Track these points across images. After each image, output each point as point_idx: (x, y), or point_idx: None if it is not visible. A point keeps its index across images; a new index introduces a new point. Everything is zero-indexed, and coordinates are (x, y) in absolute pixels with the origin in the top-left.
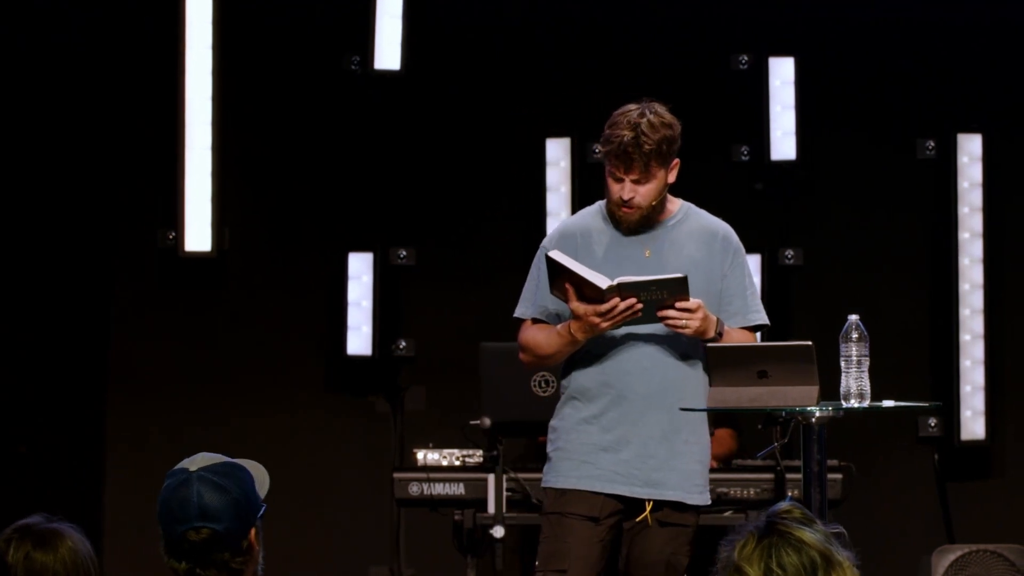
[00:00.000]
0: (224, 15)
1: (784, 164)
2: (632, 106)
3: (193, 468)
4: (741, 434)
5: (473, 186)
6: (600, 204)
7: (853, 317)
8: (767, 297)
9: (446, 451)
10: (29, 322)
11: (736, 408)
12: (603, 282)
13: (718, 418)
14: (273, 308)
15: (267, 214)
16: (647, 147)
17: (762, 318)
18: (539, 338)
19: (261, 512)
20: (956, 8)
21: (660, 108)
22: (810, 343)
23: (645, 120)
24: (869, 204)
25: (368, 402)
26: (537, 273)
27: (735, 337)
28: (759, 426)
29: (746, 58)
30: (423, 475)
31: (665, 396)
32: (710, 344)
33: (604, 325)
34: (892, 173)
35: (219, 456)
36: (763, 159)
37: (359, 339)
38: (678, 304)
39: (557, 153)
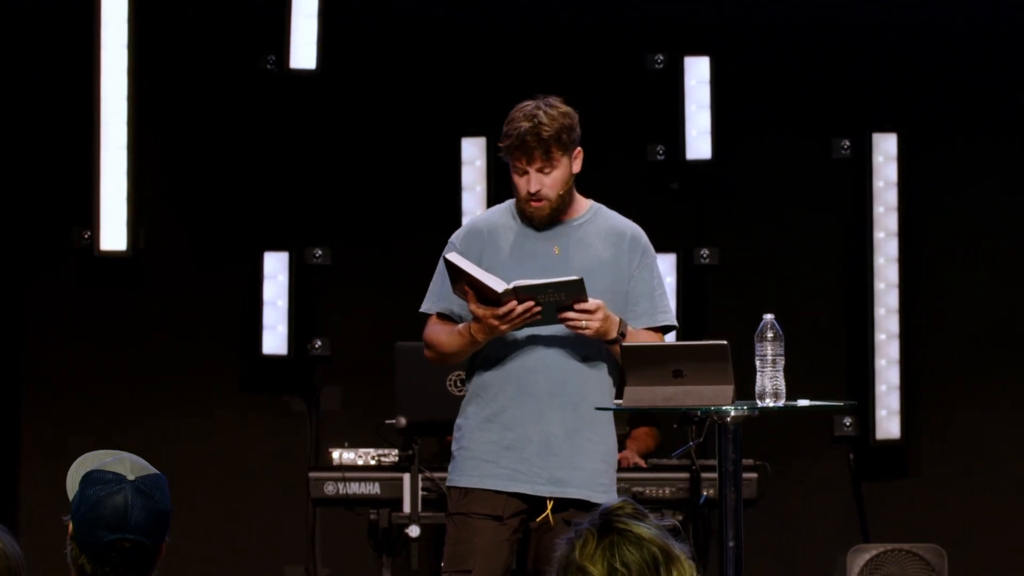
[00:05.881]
0: (139, 14)
1: (699, 163)
2: (527, 101)
3: (131, 476)
4: (660, 429)
5: (388, 185)
6: (510, 202)
7: (768, 316)
8: (682, 297)
9: (362, 450)
10: None
11: (651, 407)
12: (499, 285)
13: (637, 416)
14: (189, 307)
15: (183, 213)
16: (545, 133)
17: (670, 319)
18: (441, 336)
19: None
20: (870, 8)
21: (555, 100)
22: (725, 342)
23: (541, 111)
24: (784, 203)
25: (283, 401)
26: (443, 269)
27: (641, 338)
28: (675, 425)
29: (661, 57)
30: (339, 475)
31: (566, 393)
32: (624, 344)
33: (503, 327)
34: (807, 172)
35: (145, 463)
36: (678, 158)
37: (275, 338)
38: (577, 305)
39: (472, 152)
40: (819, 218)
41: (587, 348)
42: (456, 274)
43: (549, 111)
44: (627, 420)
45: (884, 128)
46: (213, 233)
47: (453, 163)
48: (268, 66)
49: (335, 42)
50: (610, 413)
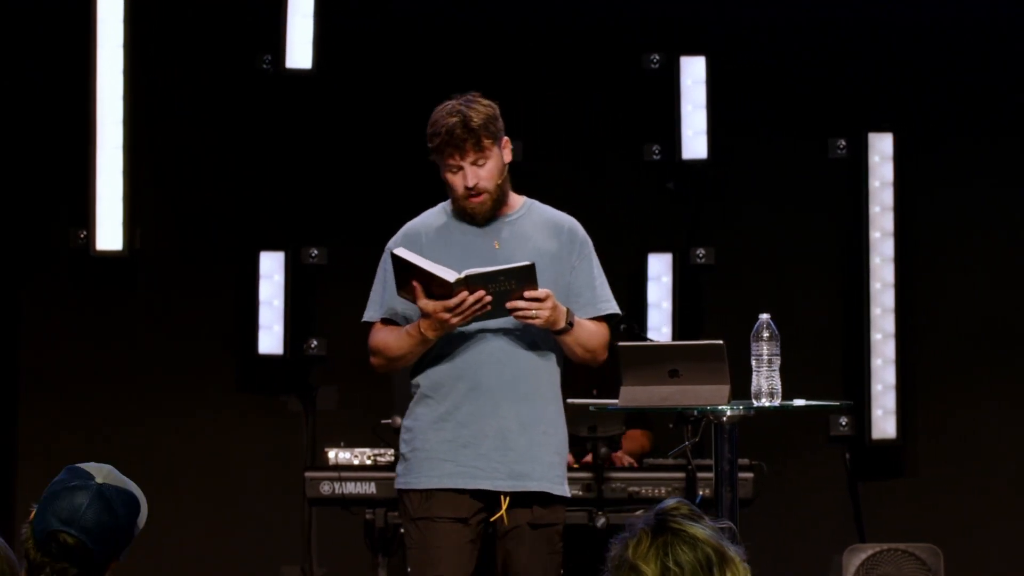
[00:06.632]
0: (136, 13)
1: (696, 163)
2: (446, 102)
3: (99, 479)
4: (654, 432)
5: (385, 185)
6: (443, 204)
7: (764, 316)
8: (678, 297)
9: (358, 450)
10: None
11: (647, 407)
12: (450, 276)
13: (631, 418)
14: (185, 307)
15: (179, 213)
16: (474, 124)
17: (612, 307)
18: (389, 340)
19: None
20: (867, 8)
21: (474, 95)
22: (721, 342)
23: (463, 106)
24: (781, 203)
25: (280, 401)
26: (383, 275)
27: (587, 328)
28: (670, 425)
29: (657, 57)
30: (335, 474)
31: (518, 386)
32: (621, 344)
33: (454, 321)
34: (803, 172)
35: (125, 479)
36: (675, 158)
37: (271, 338)
38: (527, 293)
39: None
40: (815, 218)
41: (536, 339)
42: (404, 270)
43: (472, 104)
44: (623, 420)
45: (880, 128)
46: (209, 233)
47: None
48: (264, 66)
49: (331, 42)
50: (560, 405)
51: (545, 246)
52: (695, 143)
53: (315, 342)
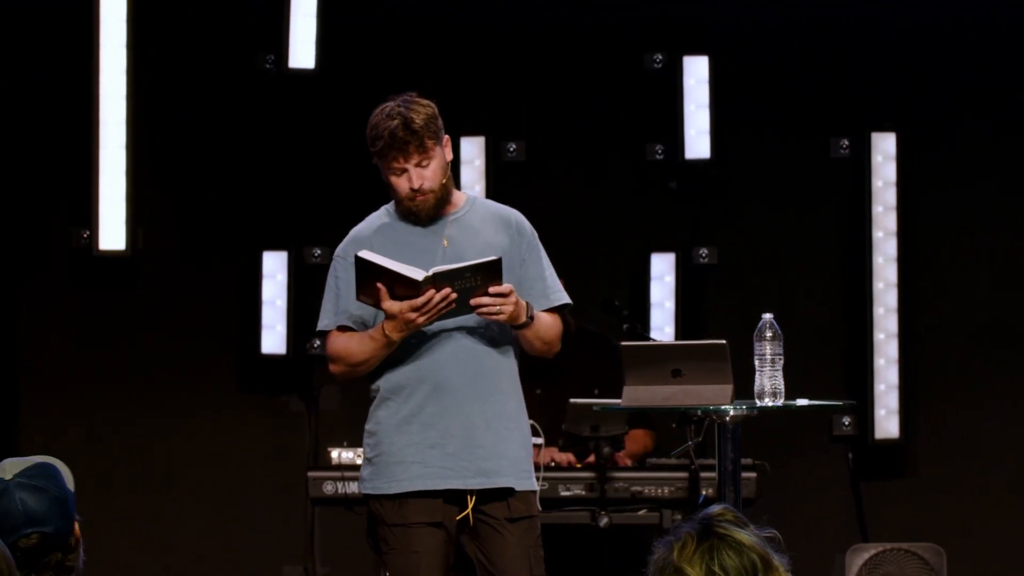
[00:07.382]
0: (138, 13)
1: (698, 163)
2: (384, 104)
3: (8, 476)
4: (657, 432)
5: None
6: (386, 207)
7: (767, 316)
8: (681, 296)
9: (360, 450)
10: None
11: (650, 407)
12: (418, 274)
13: (634, 417)
14: (187, 307)
15: (181, 213)
16: (416, 125)
17: (564, 298)
18: (351, 346)
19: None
20: (870, 8)
21: (411, 95)
22: (724, 342)
23: (402, 107)
24: (783, 203)
25: (282, 401)
26: (335, 283)
27: (544, 320)
28: (673, 424)
29: (660, 57)
30: (337, 474)
31: (481, 384)
32: (624, 343)
33: (420, 320)
34: (806, 172)
35: (27, 459)
36: (677, 158)
37: (273, 338)
38: (492, 289)
39: (471, 152)
40: (818, 217)
41: (494, 335)
42: (368, 272)
43: (411, 105)
44: (626, 420)
45: (883, 127)
46: (212, 232)
47: (452, 162)
48: (267, 65)
49: (334, 41)
50: (521, 399)
51: (495, 240)
52: (698, 143)
53: (318, 342)
